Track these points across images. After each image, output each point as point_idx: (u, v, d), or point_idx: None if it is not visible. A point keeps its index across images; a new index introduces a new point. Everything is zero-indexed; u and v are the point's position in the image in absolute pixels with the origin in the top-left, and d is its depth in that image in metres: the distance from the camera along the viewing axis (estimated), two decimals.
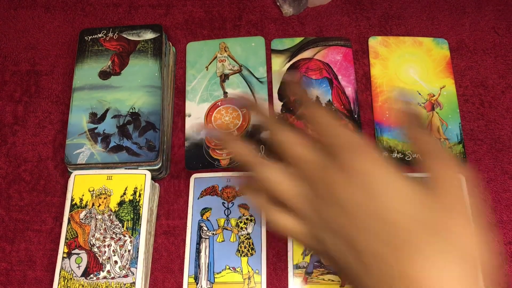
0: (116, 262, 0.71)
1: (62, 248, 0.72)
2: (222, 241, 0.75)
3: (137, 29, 0.86)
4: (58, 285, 0.70)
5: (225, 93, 0.86)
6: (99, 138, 0.78)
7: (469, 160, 0.80)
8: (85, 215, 0.74)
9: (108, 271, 0.70)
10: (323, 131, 0.49)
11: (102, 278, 0.70)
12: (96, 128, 0.79)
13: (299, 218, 0.49)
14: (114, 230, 0.72)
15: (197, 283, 0.72)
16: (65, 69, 0.88)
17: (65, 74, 0.88)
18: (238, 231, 0.75)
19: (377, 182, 0.45)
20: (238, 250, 0.74)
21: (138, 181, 0.75)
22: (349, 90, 0.86)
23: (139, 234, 0.72)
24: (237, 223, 0.75)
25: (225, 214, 0.76)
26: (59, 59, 0.89)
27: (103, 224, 0.73)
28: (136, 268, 0.70)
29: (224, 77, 0.87)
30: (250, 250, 0.74)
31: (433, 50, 0.89)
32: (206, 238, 0.75)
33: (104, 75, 0.83)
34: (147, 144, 0.77)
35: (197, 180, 0.79)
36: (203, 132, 0.83)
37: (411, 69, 0.87)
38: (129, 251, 0.71)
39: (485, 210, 0.77)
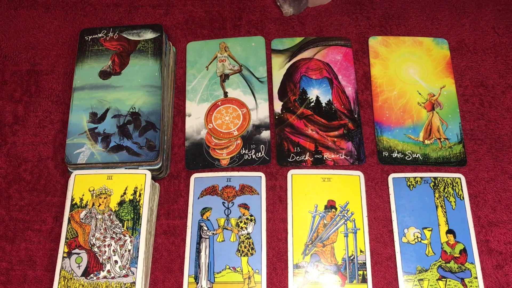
0: (116, 261, 0.71)
1: (62, 247, 0.72)
2: (222, 241, 0.75)
3: (137, 29, 0.86)
4: (58, 285, 0.70)
5: (225, 93, 0.86)
6: (99, 138, 0.78)
7: (469, 160, 0.80)
8: (85, 214, 0.74)
9: (108, 271, 0.70)
10: None
11: (102, 278, 0.70)
12: (96, 127, 0.79)
13: None
14: (114, 230, 0.72)
15: (197, 283, 0.72)
16: (65, 69, 0.88)
17: (65, 74, 0.88)
18: (238, 231, 0.75)
19: None
20: (238, 250, 0.74)
21: (138, 181, 0.75)
22: (349, 90, 0.86)
23: (139, 233, 0.72)
24: (237, 223, 0.75)
25: (225, 214, 0.76)
26: (59, 58, 0.89)
27: (103, 224, 0.73)
28: (136, 267, 0.70)
29: (224, 77, 0.87)
30: (250, 250, 0.74)
31: (433, 50, 0.89)
32: (206, 238, 0.75)
33: (104, 75, 0.83)
34: (147, 144, 0.77)
35: (197, 180, 0.79)
36: (203, 132, 0.83)
37: (411, 69, 0.87)
38: (129, 250, 0.71)
39: (485, 210, 0.77)
